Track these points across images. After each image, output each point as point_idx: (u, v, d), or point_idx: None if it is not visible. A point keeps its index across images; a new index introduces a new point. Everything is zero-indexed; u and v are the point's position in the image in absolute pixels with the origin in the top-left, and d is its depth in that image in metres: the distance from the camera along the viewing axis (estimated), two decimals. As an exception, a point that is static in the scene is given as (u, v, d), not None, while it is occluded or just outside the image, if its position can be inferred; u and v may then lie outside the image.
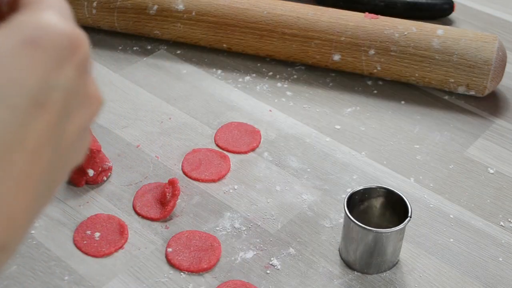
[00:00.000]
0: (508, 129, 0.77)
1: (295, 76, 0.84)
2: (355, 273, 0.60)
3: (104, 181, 0.68)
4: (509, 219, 0.66)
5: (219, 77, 0.84)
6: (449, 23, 0.95)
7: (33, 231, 0.63)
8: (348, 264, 0.61)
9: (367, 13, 0.82)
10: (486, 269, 0.61)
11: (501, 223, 0.66)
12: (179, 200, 0.66)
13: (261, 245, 0.62)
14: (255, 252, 0.62)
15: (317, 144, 0.74)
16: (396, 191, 0.60)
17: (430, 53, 0.78)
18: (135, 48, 0.88)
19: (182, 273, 0.60)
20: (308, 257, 0.61)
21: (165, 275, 0.59)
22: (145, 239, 0.63)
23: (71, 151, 0.32)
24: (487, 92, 0.79)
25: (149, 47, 0.88)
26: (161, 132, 0.75)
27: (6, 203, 0.28)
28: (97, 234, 0.62)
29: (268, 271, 0.60)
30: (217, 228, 0.64)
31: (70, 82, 0.30)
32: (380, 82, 0.83)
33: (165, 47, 0.88)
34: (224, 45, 0.86)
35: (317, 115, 0.78)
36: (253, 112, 0.78)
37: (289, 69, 0.85)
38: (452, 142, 0.75)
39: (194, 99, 0.80)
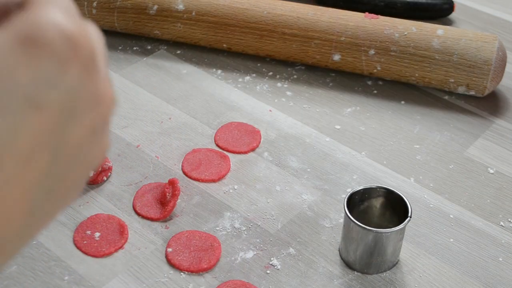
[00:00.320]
0: (508, 129, 0.77)
1: (295, 76, 0.84)
2: (355, 273, 0.60)
3: (104, 181, 0.68)
4: (509, 219, 0.66)
5: (219, 77, 0.84)
6: (449, 23, 0.95)
7: (33, 231, 0.63)
8: (348, 264, 0.61)
9: (367, 13, 0.82)
10: (486, 269, 0.61)
11: (501, 223, 0.66)
12: (179, 200, 0.66)
13: (261, 245, 0.62)
14: (255, 252, 0.62)
15: (317, 144, 0.74)
16: (396, 191, 0.60)
17: (430, 53, 0.78)
18: (135, 48, 0.88)
19: (182, 273, 0.60)
20: (308, 257, 0.61)
21: (165, 275, 0.59)
22: (145, 239, 0.63)
23: (80, 156, 0.30)
24: (487, 92, 0.79)
25: (149, 47, 0.88)
26: (161, 132, 0.75)
27: None
28: (97, 234, 0.62)
29: (268, 271, 0.60)
30: (217, 228, 0.64)
31: (73, 82, 0.28)
32: (380, 82, 0.83)
33: (165, 47, 0.88)
34: (224, 45, 0.86)
35: (317, 115, 0.78)
36: (253, 112, 0.78)
37: (289, 69, 0.85)
38: (452, 142, 0.75)
39: (194, 99, 0.80)
